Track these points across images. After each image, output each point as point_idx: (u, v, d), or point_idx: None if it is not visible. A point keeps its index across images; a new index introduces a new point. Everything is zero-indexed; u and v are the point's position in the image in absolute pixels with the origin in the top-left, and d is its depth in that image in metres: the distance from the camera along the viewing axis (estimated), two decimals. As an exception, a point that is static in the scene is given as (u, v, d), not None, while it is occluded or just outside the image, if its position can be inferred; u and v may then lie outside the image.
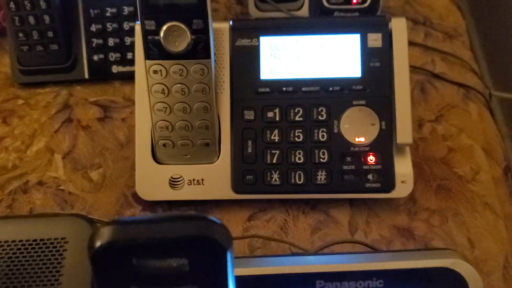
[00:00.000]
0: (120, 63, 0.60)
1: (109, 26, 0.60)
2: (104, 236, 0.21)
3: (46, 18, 0.58)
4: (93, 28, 0.60)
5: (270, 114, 0.49)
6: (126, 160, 0.54)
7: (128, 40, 0.60)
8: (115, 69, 0.60)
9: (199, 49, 0.45)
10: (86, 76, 0.60)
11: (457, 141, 0.57)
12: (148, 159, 0.49)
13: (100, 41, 0.60)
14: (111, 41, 0.60)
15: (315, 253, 0.43)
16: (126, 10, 0.59)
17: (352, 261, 0.34)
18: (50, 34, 0.58)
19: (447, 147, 0.56)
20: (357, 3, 0.62)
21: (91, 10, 0.60)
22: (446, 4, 0.74)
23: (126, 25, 0.60)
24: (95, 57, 0.60)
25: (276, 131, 0.49)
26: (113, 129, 0.56)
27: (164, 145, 0.49)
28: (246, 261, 0.36)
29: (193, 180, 0.49)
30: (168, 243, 0.21)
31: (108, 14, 0.60)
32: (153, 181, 0.49)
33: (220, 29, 0.50)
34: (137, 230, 0.20)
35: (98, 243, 0.21)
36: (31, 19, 0.58)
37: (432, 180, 0.53)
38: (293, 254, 0.44)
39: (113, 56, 0.60)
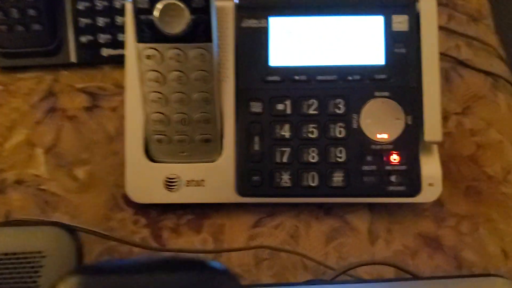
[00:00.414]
0: (111, 45, 0.54)
1: (99, 4, 0.53)
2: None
3: (27, -6, 0.51)
4: (81, 6, 0.53)
5: (280, 107, 0.43)
6: (116, 155, 0.48)
7: (119, 19, 0.53)
8: (105, 52, 0.54)
9: (199, 31, 0.39)
10: (73, 59, 0.54)
11: (486, 136, 0.51)
12: (140, 156, 0.43)
13: (89, 21, 0.53)
14: (100, 21, 0.53)
15: (337, 281, 0.37)
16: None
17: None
18: (32, 12, 0.52)
19: (475, 144, 0.50)
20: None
21: (78, -15, 0.53)
22: (468, -17, 0.68)
23: (117, 3, 0.53)
24: (83, 39, 0.54)
25: (286, 126, 0.43)
26: (102, 120, 0.50)
27: (158, 140, 0.43)
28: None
29: (192, 180, 0.43)
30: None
31: (97, -11, 0.53)
32: (146, 181, 0.43)
33: (223, 8, 0.44)
34: (110, 284, 0.15)
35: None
36: (10, -5, 0.51)
37: (460, 181, 0.47)
38: (311, 282, 0.38)
39: (103, 37, 0.54)
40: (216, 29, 0.40)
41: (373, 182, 0.43)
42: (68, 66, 0.54)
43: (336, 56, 0.44)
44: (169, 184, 0.43)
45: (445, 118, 0.52)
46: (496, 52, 0.60)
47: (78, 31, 0.54)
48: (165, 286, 0.15)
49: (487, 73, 0.57)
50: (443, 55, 0.57)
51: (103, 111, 0.51)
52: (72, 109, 0.51)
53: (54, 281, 0.16)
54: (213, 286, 0.15)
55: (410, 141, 0.43)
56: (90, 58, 0.54)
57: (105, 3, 0.53)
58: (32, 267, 0.33)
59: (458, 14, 0.63)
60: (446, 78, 0.55)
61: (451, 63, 0.57)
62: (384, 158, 0.43)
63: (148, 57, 0.40)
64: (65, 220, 0.44)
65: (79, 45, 0.54)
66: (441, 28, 0.59)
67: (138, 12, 0.38)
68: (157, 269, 0.15)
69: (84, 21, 0.53)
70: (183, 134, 0.43)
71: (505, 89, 0.56)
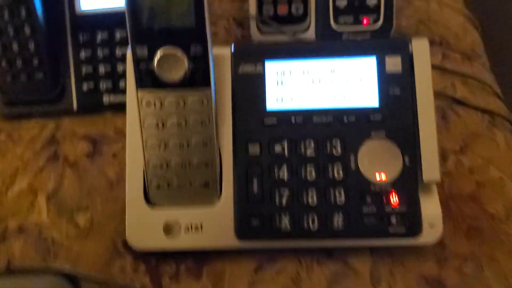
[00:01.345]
0: (112, 92, 0.55)
1: (100, 52, 0.55)
2: None
3: (31, 45, 0.53)
4: (83, 54, 0.55)
5: (278, 148, 0.44)
6: (117, 201, 0.48)
7: (120, 67, 0.55)
8: (106, 99, 0.55)
9: (198, 78, 0.40)
10: (75, 107, 0.55)
11: (486, 174, 0.51)
12: (140, 202, 0.44)
13: (90, 69, 0.55)
14: (102, 69, 0.55)
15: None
16: (119, 34, 0.54)
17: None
18: (35, 62, 0.53)
19: (475, 182, 0.50)
20: (368, 24, 0.57)
21: (80, 35, 0.55)
22: (461, 22, 0.69)
23: (118, 51, 0.55)
24: (85, 86, 0.55)
25: (285, 167, 0.44)
26: (103, 166, 0.51)
27: (158, 185, 0.43)
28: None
29: (191, 225, 0.43)
30: None
31: (99, 39, 0.54)
32: (146, 227, 0.43)
33: (220, 55, 0.45)
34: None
35: None
36: (15, 46, 0.53)
37: (462, 221, 0.47)
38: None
39: (104, 85, 0.55)
40: (214, 75, 0.41)
41: (373, 223, 0.42)
42: (70, 113, 0.55)
43: (331, 99, 0.44)
44: (169, 229, 0.43)
45: (443, 157, 0.52)
46: (492, 90, 0.61)
47: (80, 79, 0.55)
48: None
49: (484, 111, 0.57)
50: (439, 94, 0.58)
51: (104, 157, 0.52)
52: (73, 155, 0.52)
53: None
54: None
55: (409, 181, 0.43)
56: (92, 105, 0.55)
57: (106, 52, 0.54)
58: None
59: (452, 53, 0.64)
60: (443, 116, 0.56)
61: (447, 102, 0.57)
62: (384, 199, 0.43)
63: (148, 103, 0.41)
64: (67, 267, 0.44)
65: (81, 93, 0.55)
66: (435, 67, 0.61)
67: (138, 60, 0.39)
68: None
69: (85, 69, 0.55)
70: (182, 179, 0.43)
71: (503, 127, 0.57)
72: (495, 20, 1.02)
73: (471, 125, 0.55)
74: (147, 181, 0.43)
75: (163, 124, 0.41)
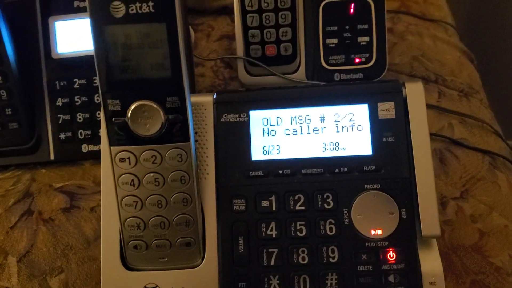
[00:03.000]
0: (91, 141, 0.52)
1: (78, 100, 0.52)
2: None
3: (3, 94, 0.50)
4: (59, 102, 0.52)
5: (264, 203, 0.41)
6: (93, 261, 0.45)
7: (99, 115, 0.52)
8: (85, 148, 0.52)
9: (176, 131, 0.37)
10: (52, 157, 0.52)
11: (489, 221, 0.48)
12: (116, 265, 0.40)
13: (68, 117, 0.52)
14: (80, 117, 0.52)
15: None
16: (97, 81, 0.51)
17: None
18: (8, 111, 0.51)
19: (478, 231, 0.47)
20: (360, 62, 0.55)
21: (57, 82, 0.52)
22: (457, 57, 0.67)
23: (97, 98, 0.52)
24: (62, 135, 0.52)
25: (273, 224, 0.40)
26: (80, 221, 0.48)
27: (135, 246, 0.40)
28: None
29: (172, 290, 0.39)
30: None
31: (76, 86, 0.52)
32: (123, 292, 0.40)
33: (202, 103, 0.42)
34: None
35: None
36: (-13, 95, 0.50)
37: (465, 275, 0.44)
38: None
39: (82, 133, 0.52)
40: (193, 127, 0.38)
41: (369, 283, 0.39)
42: (47, 163, 0.52)
43: (321, 148, 0.41)
44: (148, 295, 0.40)
45: (442, 203, 0.49)
46: (492, 128, 0.58)
47: (57, 128, 0.52)
48: None
49: (484, 152, 0.54)
50: (436, 135, 0.55)
51: (81, 212, 0.48)
52: (48, 211, 0.49)
53: None
54: None
55: (406, 236, 0.40)
56: (70, 155, 0.52)
57: (84, 99, 0.52)
58: None
59: (449, 90, 0.62)
60: (440, 159, 0.53)
61: (445, 143, 0.55)
62: (380, 256, 0.39)
63: (122, 160, 0.38)
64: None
65: (58, 142, 0.52)
66: (431, 106, 0.58)
67: (110, 115, 0.37)
68: None
69: (63, 117, 0.52)
70: (161, 239, 0.40)
71: (505, 168, 0.54)
72: (492, 53, 1.00)
73: (471, 167, 0.52)
74: (123, 242, 0.40)
75: (138, 182, 0.38)
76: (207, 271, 0.40)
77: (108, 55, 0.35)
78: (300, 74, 0.56)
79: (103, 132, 0.38)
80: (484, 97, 0.64)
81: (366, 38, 0.54)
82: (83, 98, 0.52)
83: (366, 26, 0.54)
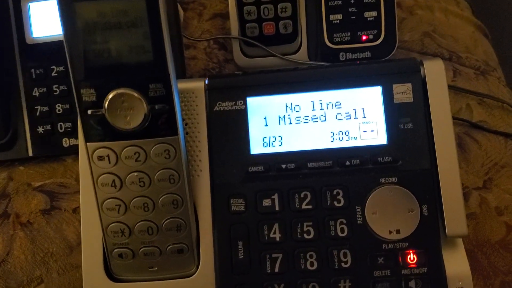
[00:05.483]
0: (72, 134, 0.47)
1: (56, 89, 0.47)
2: None
3: (-28, 85, 0.45)
4: (36, 92, 0.47)
5: (266, 203, 0.36)
6: (77, 269, 0.40)
7: (81, 104, 0.47)
8: (65, 142, 0.47)
9: (161, 124, 0.32)
10: (30, 153, 0.48)
11: (516, 214, 0.43)
12: (99, 276, 0.36)
13: (46, 108, 0.47)
14: (59, 108, 0.47)
15: None
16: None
17: None
18: (-21, 104, 0.46)
19: (505, 224, 0.43)
20: (368, 40, 0.50)
21: (33, 70, 0.47)
22: (471, 32, 0.62)
23: (77, 86, 0.47)
24: (40, 129, 0.47)
25: (276, 226, 0.36)
26: (61, 225, 0.43)
27: (120, 255, 0.35)
28: None
29: (164, 303, 0.35)
30: None
31: (54, 73, 0.47)
32: (107, 307, 0.35)
33: (192, 90, 0.37)
34: None
35: None
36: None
37: (493, 276, 0.39)
38: None
39: (62, 126, 0.47)
40: (182, 119, 0.33)
41: (388, 290, 0.35)
42: (25, 160, 0.48)
43: (329, 138, 0.37)
44: (136, 309, 0.35)
45: (464, 195, 0.44)
46: (512, 108, 0.53)
47: (34, 121, 0.48)
48: None
49: (506, 135, 0.49)
50: (454, 119, 0.50)
51: (62, 214, 0.44)
52: (26, 213, 0.44)
53: None
54: None
55: (429, 236, 0.35)
56: (49, 150, 0.48)
57: (63, 88, 0.47)
58: None
59: (464, 68, 0.57)
60: (460, 145, 0.48)
61: (464, 127, 0.50)
62: (400, 260, 0.35)
63: (101, 158, 0.33)
64: None
65: (36, 136, 0.48)
66: (447, 87, 0.53)
67: (84, 106, 0.32)
68: None
69: (40, 108, 0.47)
70: (149, 246, 0.35)
71: (530, 152, 0.49)
72: (506, 27, 0.94)
73: (493, 153, 0.48)
74: (106, 250, 0.35)
75: (121, 183, 0.33)
76: (202, 280, 0.36)
77: (79, 37, 0.30)
78: (302, 55, 0.51)
79: (79, 126, 0.34)
80: (502, 75, 0.59)
81: (374, 13, 0.50)
82: (62, 87, 0.47)
83: (373, 0, 0.49)
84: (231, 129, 0.37)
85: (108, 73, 0.31)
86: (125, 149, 0.32)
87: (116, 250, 0.35)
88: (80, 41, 0.31)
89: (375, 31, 0.50)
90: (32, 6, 0.48)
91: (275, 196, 0.36)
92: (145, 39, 0.30)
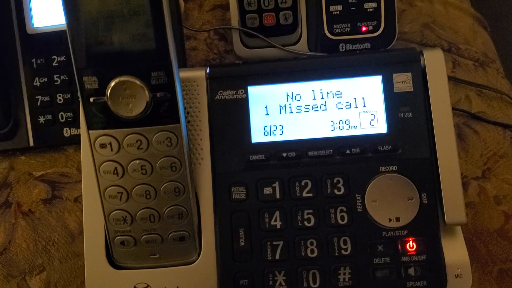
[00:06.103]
0: (73, 124, 0.47)
1: (57, 79, 0.47)
2: None
3: (-27, 75, 0.45)
4: (37, 82, 0.47)
5: (267, 191, 0.37)
6: (78, 257, 0.40)
7: (81, 94, 0.47)
8: (67, 132, 0.47)
9: (163, 112, 0.32)
10: (31, 143, 0.48)
11: (514, 203, 0.44)
12: (102, 263, 0.36)
13: (47, 98, 0.47)
14: (60, 97, 0.47)
15: None
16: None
17: None
18: (-21, 94, 0.46)
19: (503, 214, 0.43)
20: (367, 31, 0.50)
21: (34, 60, 0.47)
22: (470, 24, 0.62)
23: (78, 76, 0.47)
24: (41, 119, 0.47)
25: (277, 214, 0.36)
26: (63, 213, 0.43)
27: (122, 242, 0.35)
28: None
29: (165, 289, 0.35)
30: None
31: (55, 63, 0.47)
32: (110, 294, 0.35)
33: (193, 79, 0.37)
34: None
35: None
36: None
37: (491, 264, 0.40)
38: None
39: (63, 116, 0.47)
40: (183, 108, 0.33)
41: (387, 278, 0.35)
42: (26, 150, 0.48)
43: (329, 127, 0.37)
44: (138, 296, 0.35)
45: (463, 184, 0.44)
46: (511, 99, 0.53)
47: (35, 110, 0.48)
48: None
49: (505, 126, 0.50)
50: (454, 110, 0.50)
51: (64, 203, 0.44)
52: (28, 202, 0.44)
53: None
54: None
55: (428, 224, 0.36)
56: (51, 139, 0.48)
57: (65, 77, 0.47)
58: None
59: (463, 59, 0.57)
60: (459, 136, 0.48)
61: (463, 118, 0.50)
62: (399, 247, 0.36)
63: (103, 145, 0.33)
64: None
65: (38, 126, 0.48)
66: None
67: (87, 94, 0.32)
68: None
69: (41, 98, 0.47)
70: (151, 233, 0.35)
71: (528, 143, 0.49)
72: (505, 19, 0.94)
73: (492, 144, 0.48)
74: (108, 238, 0.35)
75: (123, 170, 0.33)
76: (204, 268, 0.36)
77: (81, 25, 0.30)
78: (302, 45, 0.51)
79: (81, 114, 0.34)
80: (500, 67, 0.59)
81: (373, 4, 0.49)
82: (63, 77, 0.47)
83: (373, -9, 0.49)
84: (232, 118, 0.37)
85: (110, 61, 0.31)
86: (127, 137, 0.33)
87: (118, 237, 0.35)
88: (82, 29, 0.30)
89: (375, 22, 0.50)
90: (33, -4, 0.48)
91: (276, 184, 0.36)
92: (147, 27, 0.30)
